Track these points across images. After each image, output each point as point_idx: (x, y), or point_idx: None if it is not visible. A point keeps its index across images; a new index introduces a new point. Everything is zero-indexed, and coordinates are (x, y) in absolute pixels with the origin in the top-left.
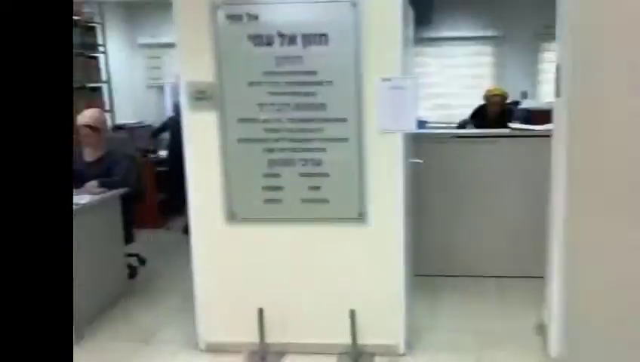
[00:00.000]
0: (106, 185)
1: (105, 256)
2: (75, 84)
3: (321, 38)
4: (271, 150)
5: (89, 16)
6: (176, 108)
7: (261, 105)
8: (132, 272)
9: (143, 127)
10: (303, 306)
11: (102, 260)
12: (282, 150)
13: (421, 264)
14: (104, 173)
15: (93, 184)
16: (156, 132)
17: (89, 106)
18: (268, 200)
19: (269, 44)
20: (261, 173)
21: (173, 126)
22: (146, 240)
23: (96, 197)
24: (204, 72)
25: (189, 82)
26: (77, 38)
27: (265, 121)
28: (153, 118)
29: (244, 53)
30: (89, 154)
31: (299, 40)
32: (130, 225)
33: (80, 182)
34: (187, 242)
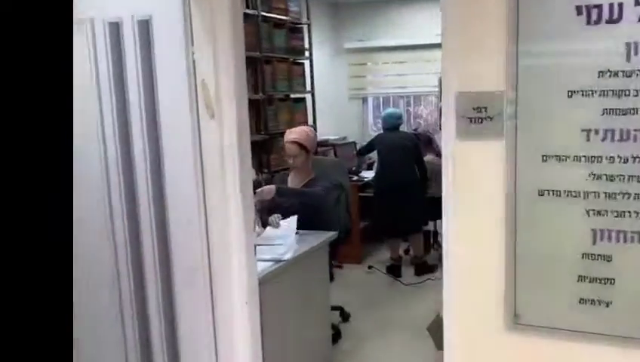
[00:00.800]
0: (287, 193)
1: (310, 318)
2: (279, 94)
3: None
4: (598, 213)
5: (295, 15)
6: (387, 124)
7: (588, 131)
8: (335, 334)
9: (348, 143)
10: None
11: (306, 324)
12: (620, 214)
13: None
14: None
15: (268, 189)
16: (363, 150)
17: (292, 119)
18: (583, 300)
19: (614, 20)
20: (576, 252)
21: (382, 146)
22: (345, 282)
23: (302, 249)
24: (486, 77)
25: (460, 93)
26: (282, 40)
27: (593, 159)
28: (355, 133)
29: (564, 39)
30: (293, 181)
31: None
32: (331, 265)
33: (280, 211)
34: (395, 288)
